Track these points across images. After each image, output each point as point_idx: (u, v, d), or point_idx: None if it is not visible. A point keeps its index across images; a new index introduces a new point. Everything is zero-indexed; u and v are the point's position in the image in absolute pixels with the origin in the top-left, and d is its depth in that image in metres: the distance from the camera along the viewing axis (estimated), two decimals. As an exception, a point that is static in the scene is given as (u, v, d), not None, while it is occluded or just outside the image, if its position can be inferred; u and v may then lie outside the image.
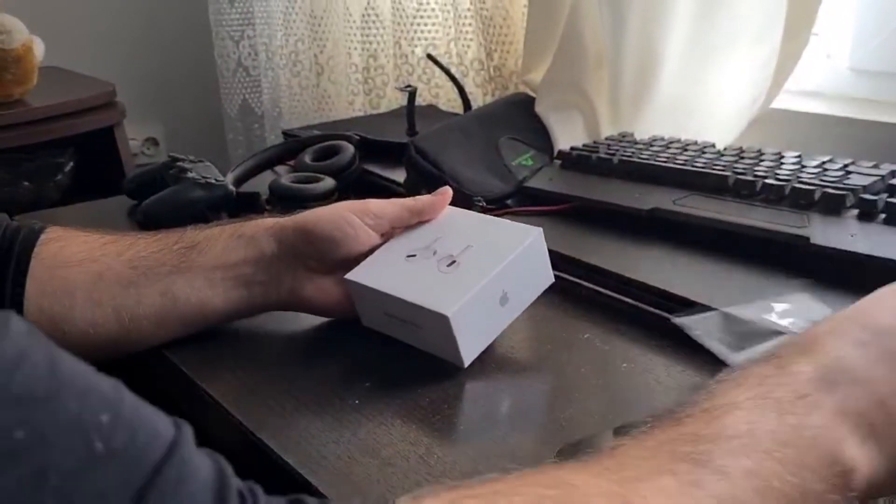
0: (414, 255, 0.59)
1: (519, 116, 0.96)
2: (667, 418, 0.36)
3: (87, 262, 0.58)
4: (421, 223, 0.62)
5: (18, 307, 0.56)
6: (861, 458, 0.35)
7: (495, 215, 0.79)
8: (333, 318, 0.63)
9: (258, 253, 0.59)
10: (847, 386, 0.37)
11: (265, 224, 0.60)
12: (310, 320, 0.63)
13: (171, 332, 0.60)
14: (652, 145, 0.83)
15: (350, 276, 0.59)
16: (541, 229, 0.58)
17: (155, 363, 0.62)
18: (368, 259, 0.60)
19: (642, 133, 0.89)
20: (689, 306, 0.60)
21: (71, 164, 1.54)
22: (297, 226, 0.60)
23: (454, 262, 0.57)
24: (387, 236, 0.61)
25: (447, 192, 0.63)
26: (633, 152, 0.81)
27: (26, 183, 1.47)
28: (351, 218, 0.59)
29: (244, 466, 0.53)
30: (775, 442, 0.34)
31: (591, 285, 0.68)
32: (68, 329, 0.57)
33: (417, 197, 0.63)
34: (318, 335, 0.63)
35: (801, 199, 0.67)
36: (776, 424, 0.35)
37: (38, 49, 1.36)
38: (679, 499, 0.33)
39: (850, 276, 0.60)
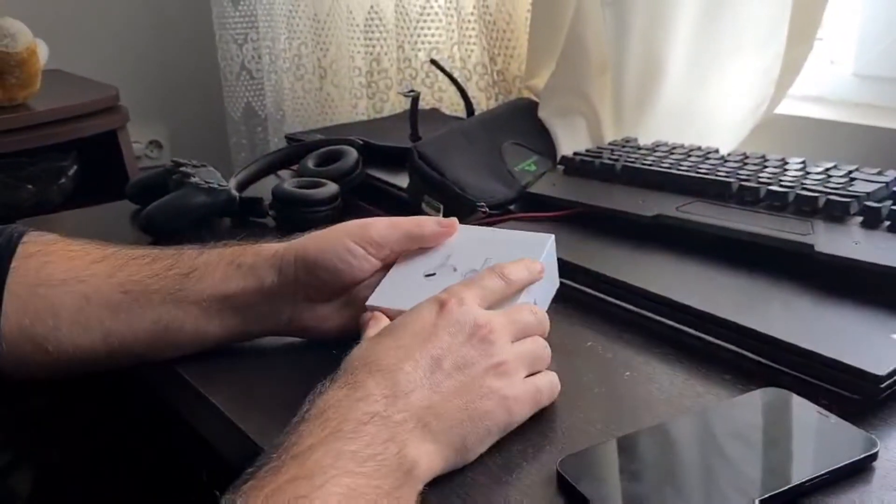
0: (433, 274, 0.58)
1: (522, 121, 0.96)
2: (268, 466, 0.41)
3: (72, 281, 0.57)
4: None
5: None
6: (421, 454, 0.44)
7: (498, 221, 0.80)
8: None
9: (258, 283, 0.58)
10: (405, 397, 0.45)
11: (265, 253, 0.59)
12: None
13: (163, 356, 0.59)
14: (655, 151, 0.83)
15: (372, 301, 0.57)
16: (553, 235, 0.60)
17: (157, 374, 0.61)
18: (385, 282, 0.59)
19: (645, 139, 0.89)
20: (693, 315, 0.60)
21: (74, 167, 1.54)
22: (299, 256, 0.58)
23: None
24: (387, 261, 0.60)
25: (454, 223, 0.61)
26: (636, 158, 0.81)
27: (29, 186, 1.48)
28: (353, 247, 0.58)
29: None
30: (356, 462, 0.41)
31: (594, 292, 0.68)
32: (53, 349, 0.56)
33: (421, 220, 0.61)
34: (324, 344, 0.62)
35: (804, 206, 0.67)
36: (355, 447, 0.42)
37: (42, 53, 1.36)
38: None
39: (854, 283, 0.60)
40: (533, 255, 0.57)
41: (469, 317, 0.49)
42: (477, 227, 0.65)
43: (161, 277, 0.58)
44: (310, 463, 0.40)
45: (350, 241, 0.58)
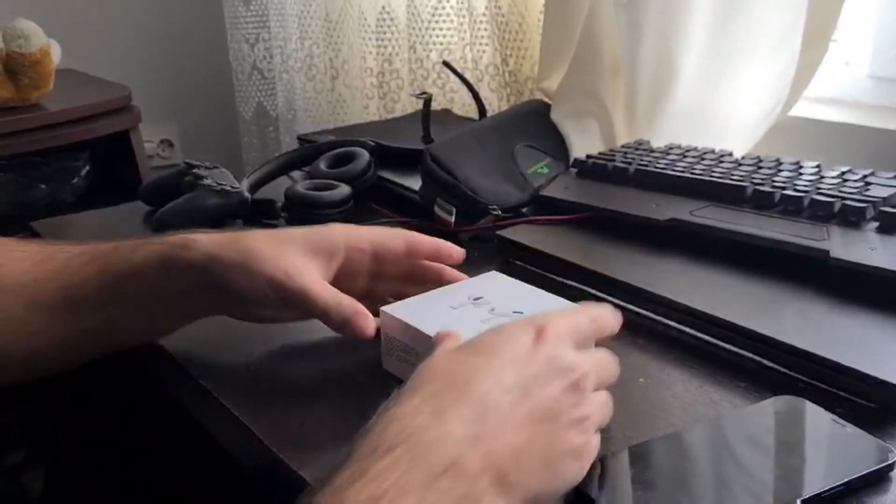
0: (459, 308, 0.57)
1: (534, 124, 0.96)
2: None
3: (20, 286, 0.57)
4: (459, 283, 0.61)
5: None
6: (509, 501, 0.39)
7: (510, 224, 0.79)
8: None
9: (187, 287, 0.57)
10: (490, 441, 0.39)
11: (194, 255, 0.56)
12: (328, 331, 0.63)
13: (115, 350, 0.60)
14: (669, 154, 0.82)
15: (389, 308, 0.57)
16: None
17: (170, 377, 0.62)
18: (409, 299, 0.58)
19: (658, 141, 0.88)
20: (707, 321, 0.60)
21: (87, 167, 1.55)
22: (218, 270, 0.56)
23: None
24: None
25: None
26: (649, 161, 0.81)
27: (42, 186, 1.48)
28: (267, 290, 0.56)
29: (260, 480, 0.53)
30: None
31: (607, 297, 0.67)
32: (8, 353, 0.57)
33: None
34: (336, 341, 0.62)
35: (819, 211, 0.66)
36: (428, 492, 0.37)
37: (55, 53, 1.37)
38: None
39: (870, 290, 0.59)
40: None
41: (567, 355, 0.44)
42: (511, 279, 0.62)
43: (97, 279, 0.57)
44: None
45: (278, 278, 0.55)
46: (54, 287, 0.57)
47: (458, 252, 0.63)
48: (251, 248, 0.56)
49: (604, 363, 0.48)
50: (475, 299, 0.58)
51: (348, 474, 0.37)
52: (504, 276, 0.63)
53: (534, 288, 0.60)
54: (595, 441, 0.45)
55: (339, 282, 0.58)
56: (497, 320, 0.54)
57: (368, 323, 0.56)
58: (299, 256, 0.57)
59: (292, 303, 0.56)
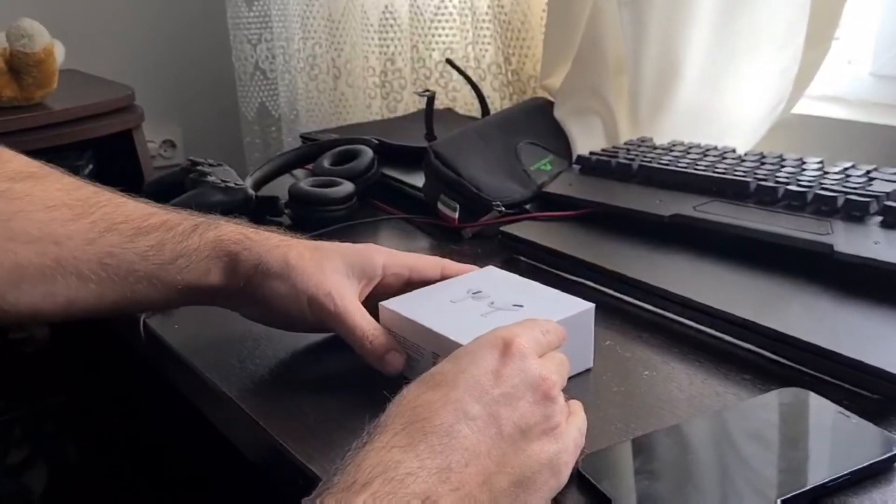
0: (458, 302, 0.57)
1: (538, 121, 0.96)
2: None
3: (46, 241, 0.53)
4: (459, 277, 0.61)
5: None
6: None
7: (514, 220, 0.80)
8: None
9: (236, 284, 0.57)
10: (459, 472, 0.40)
11: (248, 258, 0.56)
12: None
13: (121, 318, 0.59)
14: (672, 150, 0.83)
15: (388, 304, 0.57)
16: (594, 305, 0.56)
17: (175, 372, 0.62)
18: (408, 294, 0.59)
19: (661, 139, 0.89)
20: (712, 315, 0.60)
21: (90, 166, 1.54)
22: (264, 277, 0.56)
23: (500, 310, 0.56)
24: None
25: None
26: (652, 157, 0.81)
27: (46, 185, 1.48)
28: (306, 309, 0.56)
29: (268, 473, 0.54)
30: None
31: (612, 292, 0.68)
32: (9, 307, 0.53)
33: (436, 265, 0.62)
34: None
35: (823, 206, 0.66)
36: None
37: (59, 53, 1.37)
38: None
39: (874, 283, 0.59)
40: (563, 312, 0.55)
41: (535, 365, 0.45)
42: (509, 273, 0.63)
43: (143, 258, 0.55)
44: None
45: (319, 300, 0.56)
46: (91, 251, 0.54)
47: None
48: (298, 263, 0.56)
49: (563, 366, 0.48)
50: (474, 293, 0.58)
51: None
52: (501, 270, 0.63)
53: (531, 281, 0.61)
54: (571, 446, 0.45)
55: (366, 299, 0.59)
56: (497, 314, 0.55)
57: (400, 361, 0.56)
58: (341, 277, 0.57)
59: (328, 325, 0.56)
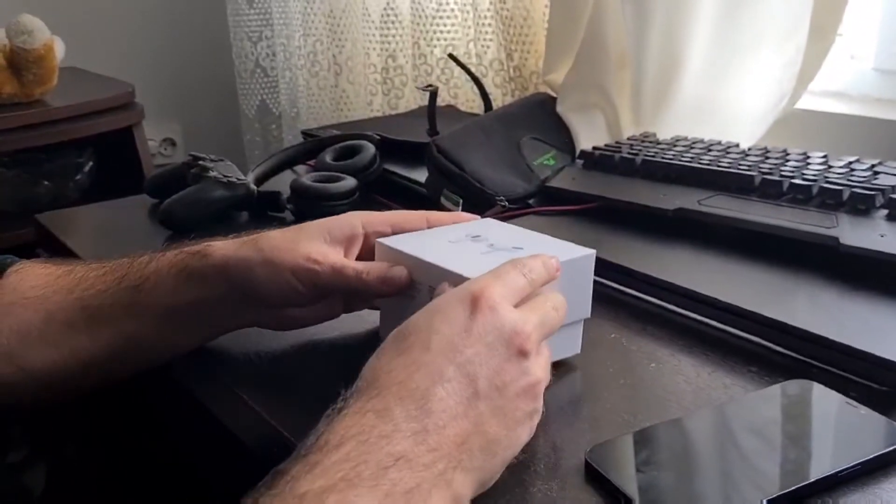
0: (457, 242, 0.55)
1: (540, 116, 0.96)
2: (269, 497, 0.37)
3: (39, 299, 0.56)
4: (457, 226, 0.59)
5: None
6: (463, 487, 0.40)
7: (517, 215, 0.79)
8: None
9: (209, 293, 0.55)
10: (436, 433, 0.40)
11: (213, 259, 0.55)
12: (349, 322, 0.62)
13: (137, 369, 0.58)
14: (675, 145, 0.82)
15: (386, 240, 0.55)
16: (594, 252, 0.54)
17: (178, 368, 0.61)
18: (406, 234, 0.57)
19: (664, 134, 0.88)
20: (718, 307, 0.59)
21: (90, 164, 1.55)
22: (245, 279, 0.54)
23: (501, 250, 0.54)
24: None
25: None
26: (656, 152, 0.81)
27: (46, 183, 1.48)
28: (292, 280, 0.54)
29: (273, 467, 0.53)
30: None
31: (617, 285, 0.67)
32: (28, 367, 0.55)
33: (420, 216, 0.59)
34: (347, 330, 0.62)
35: (828, 200, 0.66)
36: (369, 499, 0.37)
37: (59, 49, 1.37)
38: None
39: (880, 275, 0.59)
40: (563, 260, 0.52)
41: (507, 319, 0.44)
42: (508, 224, 0.61)
43: (114, 291, 0.56)
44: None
45: (304, 260, 0.54)
46: (71, 299, 0.56)
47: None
48: (269, 244, 0.55)
49: (547, 312, 0.47)
50: (473, 237, 0.56)
51: (300, 467, 0.37)
52: (499, 221, 0.61)
53: (531, 231, 0.59)
54: (541, 401, 0.45)
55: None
56: (497, 254, 0.53)
57: (404, 273, 0.54)
58: (319, 243, 0.55)
59: (322, 284, 0.54)
